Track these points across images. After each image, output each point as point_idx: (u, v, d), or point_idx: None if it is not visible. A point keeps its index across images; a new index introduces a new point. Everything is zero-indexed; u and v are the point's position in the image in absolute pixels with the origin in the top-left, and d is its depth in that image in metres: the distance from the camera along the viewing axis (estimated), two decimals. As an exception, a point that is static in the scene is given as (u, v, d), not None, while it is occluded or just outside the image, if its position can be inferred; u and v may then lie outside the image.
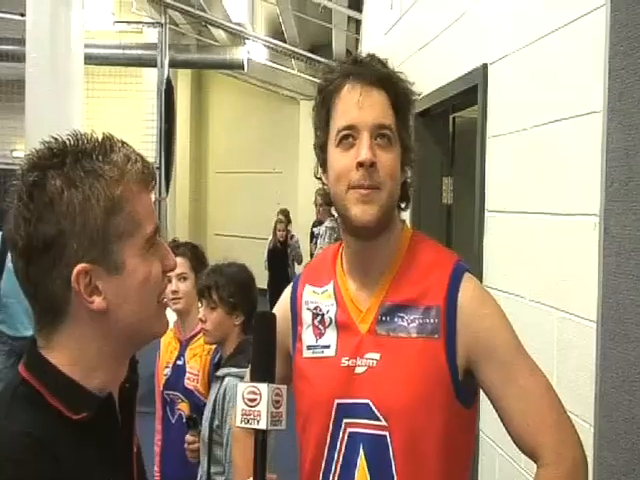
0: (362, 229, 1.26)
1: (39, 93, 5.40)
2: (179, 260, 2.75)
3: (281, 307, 1.42)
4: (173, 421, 2.67)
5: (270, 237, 8.47)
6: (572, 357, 1.85)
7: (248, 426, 1.04)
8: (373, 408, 1.24)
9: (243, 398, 1.05)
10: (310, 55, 10.03)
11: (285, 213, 8.61)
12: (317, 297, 1.35)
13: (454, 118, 3.52)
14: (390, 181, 1.24)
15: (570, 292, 1.91)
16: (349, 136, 1.23)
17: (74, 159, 0.91)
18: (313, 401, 1.31)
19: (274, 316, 1.13)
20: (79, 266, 0.89)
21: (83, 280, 0.90)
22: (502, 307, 1.33)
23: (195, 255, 2.81)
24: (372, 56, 1.31)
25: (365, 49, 6.94)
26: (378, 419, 1.23)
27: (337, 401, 1.27)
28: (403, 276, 1.29)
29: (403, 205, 1.33)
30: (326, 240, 7.65)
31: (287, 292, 1.43)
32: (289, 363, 1.37)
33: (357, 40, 8.36)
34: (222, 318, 2.39)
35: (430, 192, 3.48)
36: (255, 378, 1.07)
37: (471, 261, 2.35)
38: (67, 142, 0.94)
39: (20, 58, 6.10)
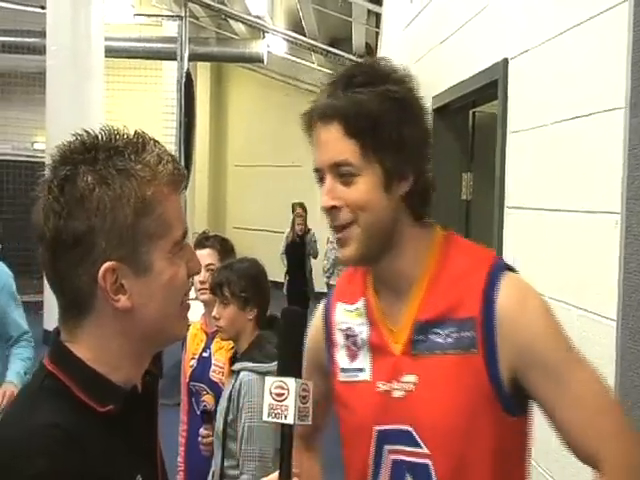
0: (352, 265, 1.26)
1: (59, 86, 5.44)
2: (208, 251, 2.78)
3: (315, 326, 1.37)
4: (198, 412, 2.69)
5: (288, 230, 8.47)
6: (591, 355, 1.82)
7: (275, 420, 1.04)
8: (415, 436, 1.18)
9: (270, 393, 1.05)
10: (330, 49, 10.02)
11: (302, 206, 8.61)
12: (349, 317, 1.29)
13: (474, 113, 3.49)
14: (363, 213, 1.17)
15: (590, 290, 1.89)
16: (322, 177, 1.22)
17: (106, 156, 0.91)
18: (352, 428, 1.26)
19: (301, 311, 1.13)
20: (107, 264, 0.90)
21: (110, 278, 0.90)
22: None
23: (224, 247, 2.83)
24: (343, 73, 1.21)
25: (385, 43, 6.91)
26: (420, 446, 1.18)
27: (376, 428, 1.21)
28: (435, 287, 1.20)
29: (415, 215, 1.23)
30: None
31: (320, 310, 1.38)
32: (326, 377, 1.32)
33: (377, 34, 8.32)
34: (235, 314, 2.40)
35: (449, 188, 3.46)
36: (283, 373, 1.06)
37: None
38: (100, 137, 0.93)
39: (41, 51, 6.15)
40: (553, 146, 2.19)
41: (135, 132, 0.95)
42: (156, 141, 0.96)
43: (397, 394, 1.20)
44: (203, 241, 2.84)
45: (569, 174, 2.06)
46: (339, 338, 1.30)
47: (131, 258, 0.91)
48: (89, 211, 0.89)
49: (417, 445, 1.18)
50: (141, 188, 0.91)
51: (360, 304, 1.28)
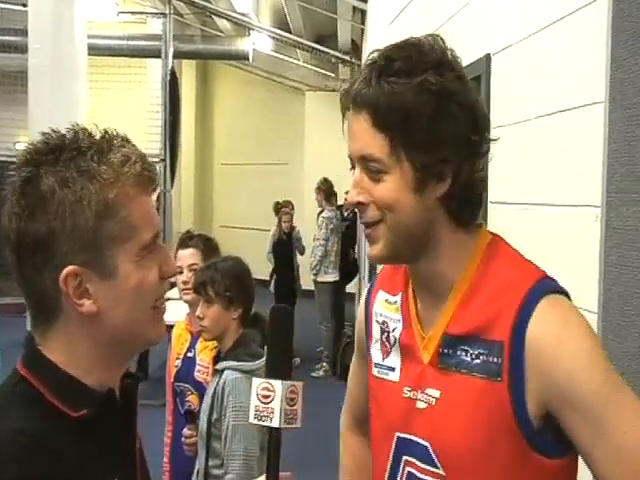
0: (379, 263, 1.21)
1: (42, 85, 5.39)
2: (191, 251, 2.76)
3: (360, 313, 1.32)
4: (182, 413, 2.68)
5: (274, 228, 8.47)
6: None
7: (260, 423, 1.02)
8: (431, 453, 1.11)
9: (257, 394, 1.03)
10: (315, 46, 10.02)
11: (288, 204, 8.61)
12: (387, 309, 1.22)
13: (458, 109, 3.51)
14: (390, 213, 1.08)
15: (571, 283, 1.90)
16: (353, 165, 1.13)
17: (69, 157, 0.89)
18: (379, 428, 1.23)
19: (289, 310, 1.11)
20: (68, 268, 0.88)
21: (72, 282, 0.89)
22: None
23: (208, 247, 2.80)
24: (384, 53, 1.11)
25: (370, 39, 6.91)
26: (436, 466, 1.11)
27: (397, 434, 1.16)
28: (470, 300, 1.10)
29: (456, 220, 1.12)
30: (323, 231, 7.64)
31: (363, 296, 1.31)
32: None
33: (362, 30, 8.33)
34: (220, 313, 2.39)
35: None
36: (269, 374, 1.04)
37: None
38: (66, 137, 0.91)
39: (22, 49, 6.09)
40: (535, 141, 2.20)
41: (105, 130, 0.93)
42: (126, 140, 0.94)
43: (420, 405, 1.13)
44: (186, 241, 2.82)
45: (550, 168, 2.07)
46: (375, 331, 1.24)
47: (95, 262, 0.89)
48: (50, 214, 0.87)
49: (433, 464, 1.11)
50: (103, 190, 0.89)
51: (399, 298, 1.21)
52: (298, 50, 10.52)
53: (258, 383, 1.03)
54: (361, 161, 1.10)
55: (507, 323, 1.05)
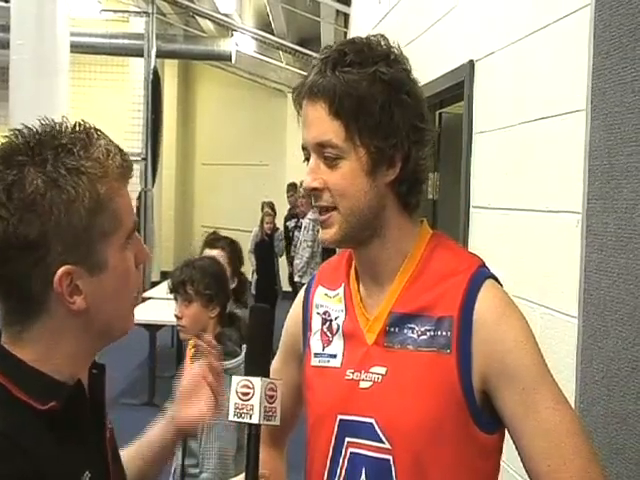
0: (333, 246, 1.24)
1: (23, 81, 5.35)
2: (216, 252, 2.83)
3: (294, 309, 1.35)
4: None
5: (256, 229, 8.46)
6: (554, 352, 1.87)
7: (240, 420, 1.03)
8: (377, 429, 1.14)
9: (236, 392, 1.04)
10: (298, 48, 10.02)
11: (271, 205, 8.62)
12: (328, 301, 1.26)
13: (440, 114, 3.53)
14: (343, 199, 1.14)
15: (552, 288, 1.93)
16: (308, 156, 1.18)
17: (54, 154, 0.87)
18: (317, 414, 1.23)
19: (269, 309, 1.12)
20: (63, 268, 0.87)
21: (65, 281, 0.88)
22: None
23: (232, 249, 2.90)
24: (336, 48, 1.16)
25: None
26: (382, 441, 1.13)
27: (340, 417, 1.18)
28: (416, 283, 1.17)
29: (402, 203, 1.19)
30: (310, 232, 7.65)
31: (301, 293, 1.35)
32: (301, 365, 1.30)
33: (345, 34, 8.35)
34: (199, 312, 2.40)
35: (416, 187, 3.49)
36: (248, 372, 1.05)
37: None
38: (42, 133, 0.89)
39: (4, 45, 6.04)
40: (517, 147, 2.23)
41: (77, 124, 0.92)
42: (99, 131, 0.93)
43: (364, 385, 1.16)
44: (213, 242, 2.89)
45: (532, 174, 2.10)
46: (316, 322, 1.27)
47: (86, 259, 0.89)
48: (42, 216, 0.85)
49: (378, 439, 1.14)
50: (94, 186, 0.88)
51: (341, 290, 1.25)
52: (281, 52, 10.51)
53: (238, 381, 1.05)
54: (317, 148, 1.15)
55: (455, 301, 1.13)
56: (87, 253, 0.89)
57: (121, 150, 0.94)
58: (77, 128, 0.92)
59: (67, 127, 0.91)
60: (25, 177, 0.86)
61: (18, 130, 0.90)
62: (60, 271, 0.87)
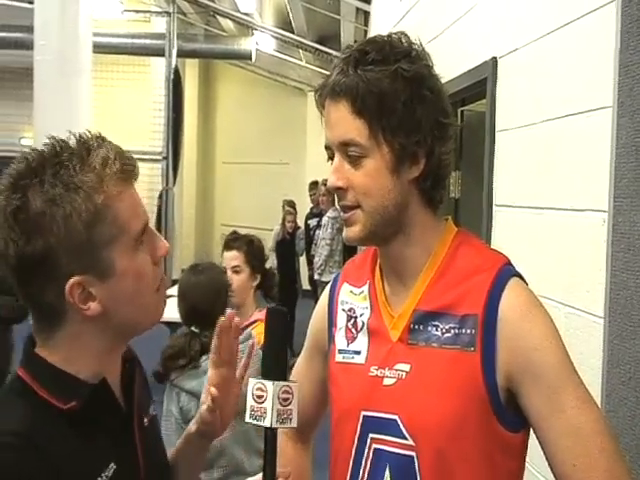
0: (357, 244, 1.23)
1: (47, 81, 5.40)
2: (234, 253, 2.80)
3: (320, 305, 1.36)
4: None
5: (277, 228, 8.47)
6: (579, 353, 1.85)
7: (255, 422, 1.04)
8: (401, 425, 1.14)
9: (252, 394, 1.05)
10: (318, 46, 10.00)
11: (292, 204, 8.62)
12: (353, 298, 1.27)
13: (462, 112, 3.51)
14: (367, 198, 1.14)
15: (578, 288, 1.91)
16: (331, 156, 1.19)
17: (52, 173, 0.92)
18: (341, 410, 1.24)
19: (286, 312, 1.12)
20: (72, 280, 0.93)
21: (77, 291, 0.93)
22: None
23: (251, 249, 2.84)
24: (358, 47, 1.17)
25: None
26: (405, 438, 1.14)
27: (363, 413, 1.18)
28: (440, 280, 1.17)
29: (427, 199, 1.19)
30: (329, 230, 7.65)
31: (327, 289, 1.35)
32: (326, 360, 1.30)
33: (365, 32, 8.32)
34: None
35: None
36: (264, 374, 1.07)
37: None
38: (45, 152, 0.95)
39: (28, 46, 6.10)
40: (541, 145, 2.20)
41: (80, 136, 0.96)
42: (102, 138, 0.97)
43: (388, 381, 1.17)
44: (230, 242, 2.86)
45: (557, 172, 2.07)
46: (341, 319, 1.27)
47: (93, 266, 0.94)
48: (45, 234, 0.91)
49: (402, 436, 1.14)
50: (91, 199, 0.92)
51: (365, 288, 1.25)
52: (301, 51, 10.50)
53: (253, 383, 1.06)
54: (341, 147, 1.15)
55: (479, 299, 1.12)
56: (93, 262, 0.94)
57: (122, 155, 0.97)
58: (77, 140, 0.96)
59: (70, 143, 0.95)
60: (28, 199, 0.92)
61: (27, 153, 0.96)
62: (69, 283, 0.93)
